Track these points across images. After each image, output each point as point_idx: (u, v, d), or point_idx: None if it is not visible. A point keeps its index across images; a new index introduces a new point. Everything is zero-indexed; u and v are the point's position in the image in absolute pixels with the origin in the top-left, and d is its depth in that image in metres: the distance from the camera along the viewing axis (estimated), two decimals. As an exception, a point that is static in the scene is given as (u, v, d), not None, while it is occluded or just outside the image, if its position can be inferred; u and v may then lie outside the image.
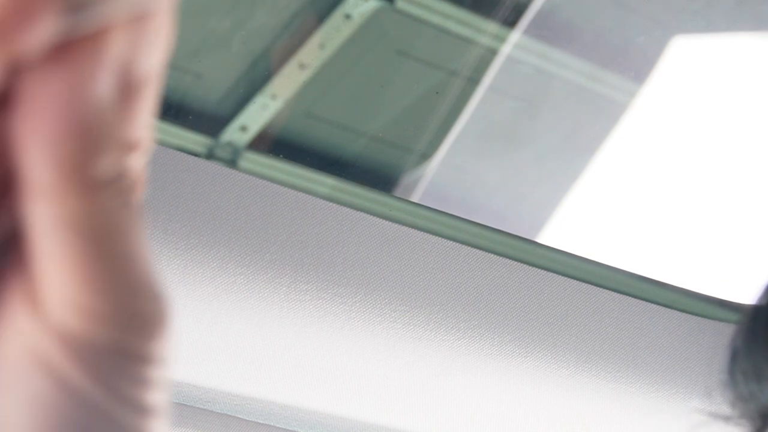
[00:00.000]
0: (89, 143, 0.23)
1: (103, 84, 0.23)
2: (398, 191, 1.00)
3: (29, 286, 0.24)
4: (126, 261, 0.24)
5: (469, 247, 0.91)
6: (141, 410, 0.24)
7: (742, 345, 0.47)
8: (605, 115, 1.05)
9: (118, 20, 0.24)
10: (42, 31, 0.22)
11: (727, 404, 0.46)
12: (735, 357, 0.46)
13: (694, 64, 1.05)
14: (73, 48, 0.23)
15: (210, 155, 0.92)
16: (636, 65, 1.05)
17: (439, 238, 0.90)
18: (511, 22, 1.00)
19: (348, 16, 0.95)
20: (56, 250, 0.23)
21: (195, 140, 0.91)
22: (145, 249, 0.24)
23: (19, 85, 0.23)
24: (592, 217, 1.07)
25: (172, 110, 0.90)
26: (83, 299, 0.23)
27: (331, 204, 0.86)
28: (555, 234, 1.04)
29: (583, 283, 0.93)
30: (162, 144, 0.84)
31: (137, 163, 0.24)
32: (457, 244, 0.90)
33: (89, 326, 0.24)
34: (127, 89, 0.24)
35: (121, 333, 0.24)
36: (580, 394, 0.93)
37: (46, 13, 0.21)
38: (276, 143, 0.95)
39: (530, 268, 0.92)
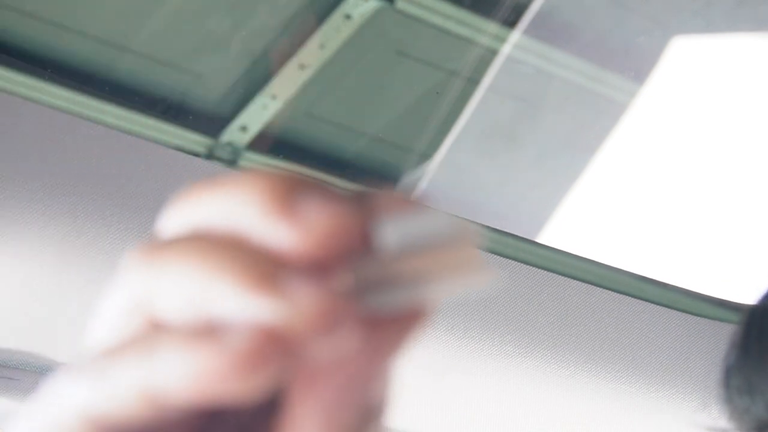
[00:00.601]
0: (368, 413, 0.24)
1: (379, 395, 0.25)
2: (397, 191, 1.00)
3: None
4: None
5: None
6: None
7: (734, 361, 0.47)
8: (605, 115, 1.05)
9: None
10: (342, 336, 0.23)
11: (723, 417, 0.47)
12: (728, 372, 0.47)
13: (694, 64, 1.05)
14: (355, 358, 0.24)
15: (210, 155, 0.92)
16: (636, 65, 1.05)
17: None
18: (511, 22, 1.00)
19: (348, 16, 0.95)
20: None
21: (195, 140, 0.91)
22: None
23: (289, 389, 0.24)
24: (592, 217, 1.07)
25: (173, 110, 0.90)
26: None
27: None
28: (555, 234, 1.04)
29: (583, 283, 0.93)
30: (162, 144, 0.84)
31: None
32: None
33: None
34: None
35: None
36: (580, 394, 0.93)
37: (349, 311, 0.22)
38: (276, 143, 0.95)
39: (530, 268, 0.92)
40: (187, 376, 0.23)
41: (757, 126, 1.07)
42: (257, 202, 0.23)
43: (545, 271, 0.93)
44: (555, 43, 1.02)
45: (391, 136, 1.00)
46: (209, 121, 0.92)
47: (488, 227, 0.96)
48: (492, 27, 1.00)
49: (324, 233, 0.23)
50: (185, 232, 0.24)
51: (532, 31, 1.01)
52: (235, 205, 0.23)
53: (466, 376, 0.91)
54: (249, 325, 0.22)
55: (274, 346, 0.22)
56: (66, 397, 0.25)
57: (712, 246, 1.08)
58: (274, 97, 0.94)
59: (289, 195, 0.23)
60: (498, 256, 0.92)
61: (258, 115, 0.93)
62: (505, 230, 0.96)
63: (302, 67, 0.94)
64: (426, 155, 1.00)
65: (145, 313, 0.24)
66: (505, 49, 1.00)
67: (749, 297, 1.02)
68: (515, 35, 1.00)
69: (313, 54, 0.94)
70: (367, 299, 0.24)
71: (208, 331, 0.23)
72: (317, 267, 0.23)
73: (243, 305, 0.22)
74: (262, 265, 0.23)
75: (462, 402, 0.93)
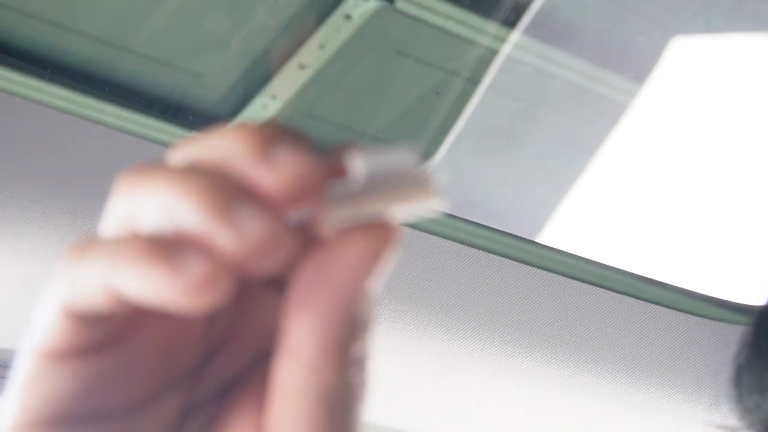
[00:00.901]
0: (355, 327, 0.27)
1: (381, 275, 0.28)
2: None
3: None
4: (353, 429, 0.28)
5: (469, 247, 0.91)
6: None
7: (745, 359, 0.48)
8: (605, 115, 1.05)
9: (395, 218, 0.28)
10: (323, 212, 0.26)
11: (733, 416, 0.47)
12: (739, 371, 0.47)
13: (695, 64, 1.05)
14: (357, 238, 0.27)
15: (210, 155, 0.92)
16: (636, 65, 1.05)
17: (439, 238, 0.90)
18: (511, 22, 1.00)
19: (348, 17, 0.95)
20: (300, 412, 0.27)
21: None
22: (360, 423, 0.29)
23: (294, 268, 0.27)
24: (592, 217, 1.07)
25: (172, 110, 0.90)
26: None
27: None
28: (555, 234, 1.04)
29: (583, 283, 0.93)
30: (162, 144, 0.84)
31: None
32: (457, 244, 0.90)
33: None
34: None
35: None
36: (579, 394, 0.93)
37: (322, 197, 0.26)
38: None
39: (530, 268, 0.92)
40: (144, 286, 0.26)
41: (758, 126, 1.07)
42: (239, 147, 0.27)
43: (545, 271, 0.93)
44: (555, 43, 1.02)
45: (391, 136, 1.00)
46: (209, 121, 0.92)
47: (488, 227, 0.96)
48: (492, 27, 1.00)
49: (293, 175, 0.26)
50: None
51: (532, 31, 1.01)
52: (220, 150, 0.27)
53: (466, 376, 0.91)
54: (206, 245, 0.26)
55: (223, 274, 0.25)
56: (49, 293, 0.29)
57: (712, 246, 1.08)
58: (274, 97, 0.94)
59: (266, 141, 0.27)
60: (498, 256, 0.92)
61: (258, 115, 0.93)
62: (505, 230, 0.96)
63: (302, 67, 0.94)
64: (426, 155, 1.00)
65: (128, 225, 0.28)
66: (505, 49, 1.00)
67: (749, 297, 1.02)
68: (515, 35, 1.00)
69: (313, 54, 0.94)
70: (338, 220, 0.28)
71: (170, 247, 0.26)
72: (283, 202, 0.27)
73: (202, 225, 0.26)
74: (224, 192, 0.26)
75: (462, 402, 0.93)
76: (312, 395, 0.27)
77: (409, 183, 0.29)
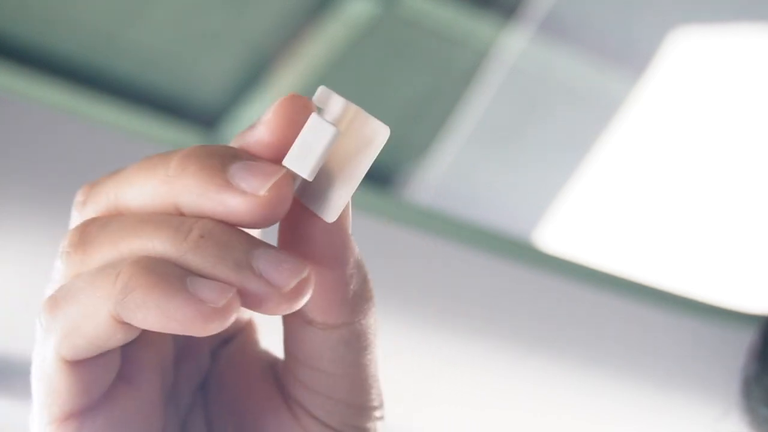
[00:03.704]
0: (361, 281, 0.30)
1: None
2: (398, 191, 1.00)
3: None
4: (375, 364, 0.32)
5: (469, 248, 0.91)
6: None
7: (754, 371, 0.47)
8: (606, 114, 1.05)
9: None
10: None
11: (743, 425, 0.47)
12: (748, 382, 0.47)
13: (695, 63, 1.05)
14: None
15: (210, 155, 0.92)
16: (637, 65, 1.05)
17: (439, 238, 0.90)
18: (511, 22, 1.00)
19: (348, 17, 0.95)
20: (342, 363, 0.31)
21: (194, 139, 0.91)
22: (377, 368, 0.32)
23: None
24: (592, 217, 1.07)
25: (171, 109, 0.90)
26: (354, 398, 0.31)
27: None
28: (555, 234, 1.04)
29: (583, 284, 0.93)
30: (160, 143, 0.84)
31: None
32: (457, 244, 0.90)
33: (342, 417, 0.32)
34: None
35: (357, 422, 0.32)
36: (580, 394, 0.93)
37: None
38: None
39: (530, 268, 0.92)
40: (160, 317, 0.26)
41: (762, 124, 1.07)
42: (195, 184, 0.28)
43: (545, 272, 0.93)
44: (555, 43, 1.02)
45: (391, 136, 1.00)
46: (208, 121, 0.92)
47: (488, 227, 0.96)
48: (492, 27, 1.00)
49: (258, 195, 0.27)
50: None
51: (532, 31, 1.00)
52: (172, 194, 0.28)
53: (467, 376, 0.91)
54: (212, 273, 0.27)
55: (235, 298, 0.27)
56: (44, 347, 0.29)
57: (714, 249, 1.08)
58: (273, 97, 0.94)
59: (219, 169, 0.28)
60: (499, 257, 0.92)
61: (257, 114, 0.93)
62: (505, 230, 0.96)
63: (302, 67, 0.94)
64: (426, 155, 1.00)
65: (114, 206, 0.29)
66: (506, 49, 1.00)
67: (749, 299, 1.02)
68: (515, 35, 1.00)
69: (313, 54, 0.94)
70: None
71: (182, 276, 0.27)
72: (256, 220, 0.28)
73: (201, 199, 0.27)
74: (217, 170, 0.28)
75: (463, 402, 0.93)
76: (353, 345, 0.30)
77: (350, 137, 0.30)
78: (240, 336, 0.34)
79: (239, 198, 0.27)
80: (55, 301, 0.28)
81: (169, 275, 0.27)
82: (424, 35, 0.98)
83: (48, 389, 0.29)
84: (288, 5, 0.93)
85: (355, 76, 0.98)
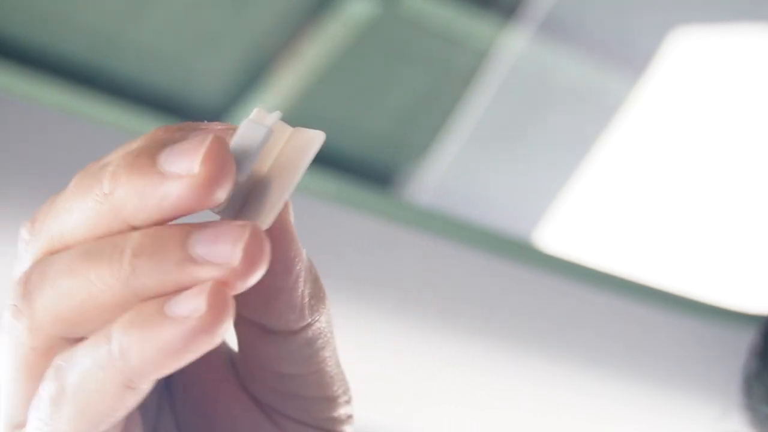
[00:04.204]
0: (312, 282, 0.29)
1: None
2: (398, 191, 1.00)
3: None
4: (337, 360, 0.31)
5: (469, 248, 0.91)
6: None
7: (755, 370, 0.47)
8: (606, 114, 1.05)
9: None
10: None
11: (744, 424, 0.47)
12: (749, 380, 0.47)
13: (696, 63, 1.05)
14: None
15: (210, 155, 0.92)
16: (637, 65, 1.05)
17: (439, 238, 0.90)
18: (511, 22, 1.00)
19: (348, 16, 0.95)
20: (312, 361, 0.30)
21: (195, 140, 0.91)
22: (337, 365, 0.32)
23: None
24: (592, 217, 1.07)
25: (172, 110, 0.90)
26: (326, 391, 0.31)
27: (330, 204, 0.86)
28: (555, 234, 1.04)
29: (583, 284, 0.93)
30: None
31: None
32: (457, 244, 0.90)
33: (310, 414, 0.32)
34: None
35: (330, 413, 0.32)
36: (580, 394, 0.93)
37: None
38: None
39: (530, 268, 0.92)
40: (165, 361, 0.25)
41: (762, 124, 1.07)
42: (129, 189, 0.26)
43: (545, 272, 0.93)
44: (555, 43, 1.02)
45: (391, 136, 1.00)
46: (208, 121, 0.92)
47: (488, 227, 0.96)
48: (492, 27, 1.00)
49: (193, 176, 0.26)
50: None
51: (532, 31, 1.00)
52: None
53: (467, 376, 0.91)
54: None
55: (226, 304, 0.25)
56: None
57: (714, 249, 1.08)
58: (273, 96, 0.94)
59: (147, 156, 0.26)
60: (500, 258, 0.92)
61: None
62: (505, 230, 0.96)
63: (302, 67, 0.94)
64: (426, 155, 1.00)
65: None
66: (506, 49, 1.00)
67: (756, 304, 1.02)
68: (515, 35, 1.00)
69: (313, 54, 0.94)
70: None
71: (154, 313, 0.25)
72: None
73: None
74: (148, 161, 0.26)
75: (464, 402, 0.93)
76: (319, 341, 0.30)
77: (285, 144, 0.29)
78: None
79: (176, 184, 0.25)
80: (61, 392, 0.26)
81: (144, 318, 0.25)
82: (424, 35, 0.98)
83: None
84: (288, 5, 0.93)
85: (355, 76, 0.98)
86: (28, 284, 0.27)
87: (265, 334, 0.29)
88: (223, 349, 0.32)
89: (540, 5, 0.99)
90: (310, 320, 0.29)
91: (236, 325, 0.30)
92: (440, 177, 1.01)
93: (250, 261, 0.25)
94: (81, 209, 0.27)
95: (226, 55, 0.93)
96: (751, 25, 1.05)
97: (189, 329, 0.24)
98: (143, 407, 0.30)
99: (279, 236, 0.28)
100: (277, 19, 0.93)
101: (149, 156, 0.26)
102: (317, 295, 0.30)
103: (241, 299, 0.27)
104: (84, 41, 0.88)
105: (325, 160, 0.95)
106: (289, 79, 0.95)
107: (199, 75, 0.93)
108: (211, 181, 0.25)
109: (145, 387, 0.26)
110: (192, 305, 0.25)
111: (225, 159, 0.26)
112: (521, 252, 0.95)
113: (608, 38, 1.04)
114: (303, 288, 0.29)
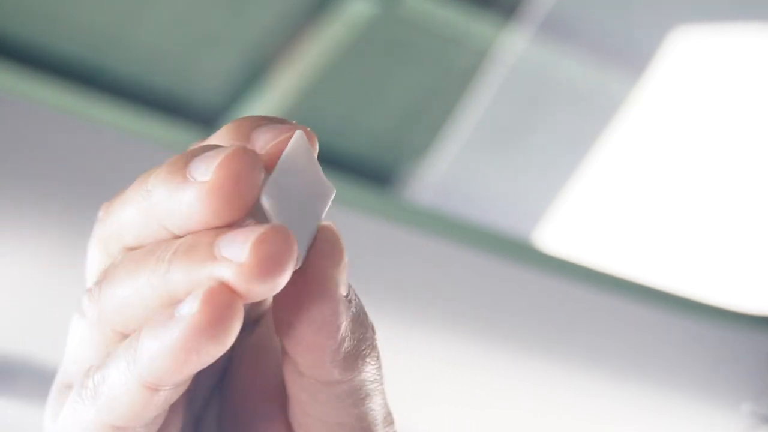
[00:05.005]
0: (340, 323, 0.27)
1: (342, 291, 0.27)
2: (398, 191, 1.00)
3: None
4: (377, 411, 0.29)
5: (469, 248, 0.91)
6: None
7: None
8: (606, 114, 1.05)
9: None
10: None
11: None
12: None
13: (696, 63, 1.05)
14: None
15: (210, 155, 0.92)
16: (637, 64, 1.05)
17: (439, 238, 0.90)
18: (511, 22, 1.00)
19: (348, 17, 0.95)
20: (318, 412, 0.28)
21: (195, 140, 0.91)
22: (383, 415, 0.29)
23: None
24: (593, 217, 1.07)
25: (172, 110, 0.90)
26: None
27: (330, 204, 0.86)
28: (555, 234, 1.04)
29: (583, 285, 0.93)
30: (161, 143, 0.84)
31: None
32: (457, 244, 0.90)
33: None
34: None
35: None
36: (580, 394, 0.93)
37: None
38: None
39: (529, 268, 0.92)
40: (154, 353, 0.25)
41: (762, 124, 1.07)
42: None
43: (545, 272, 0.93)
44: (555, 43, 1.02)
45: (391, 135, 1.00)
46: (208, 121, 0.92)
47: (488, 227, 0.96)
48: (492, 27, 1.00)
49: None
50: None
51: (532, 31, 1.00)
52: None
53: (467, 376, 0.91)
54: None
55: (221, 306, 0.24)
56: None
57: (714, 250, 1.08)
58: (273, 97, 0.94)
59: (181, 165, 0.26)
60: (498, 257, 0.92)
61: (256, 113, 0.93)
62: (505, 230, 0.96)
63: (302, 66, 0.94)
64: (426, 155, 1.00)
65: (117, 245, 0.27)
66: (506, 49, 1.00)
67: (751, 299, 1.02)
68: (515, 35, 1.00)
69: (313, 54, 0.94)
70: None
71: (165, 304, 0.25)
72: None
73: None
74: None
75: (464, 402, 0.93)
76: (322, 397, 0.28)
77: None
78: (264, 320, 0.31)
79: (190, 190, 0.25)
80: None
81: (159, 317, 0.25)
82: (424, 35, 0.98)
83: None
84: (288, 5, 0.93)
85: (355, 76, 0.98)
86: (103, 274, 0.27)
87: (297, 374, 0.28)
88: (276, 356, 0.31)
89: (540, 5, 0.99)
90: (342, 378, 0.27)
91: (284, 363, 0.29)
92: (440, 177, 1.01)
93: (259, 261, 0.24)
94: (132, 217, 0.27)
95: (226, 55, 0.93)
96: (751, 25, 1.05)
97: (183, 328, 0.24)
98: (192, 394, 0.31)
99: (314, 289, 0.26)
100: (277, 19, 0.93)
101: (184, 161, 0.26)
102: (358, 354, 0.28)
103: (281, 330, 0.27)
104: (84, 41, 0.88)
105: (325, 160, 0.94)
106: (289, 79, 0.95)
107: (199, 75, 0.93)
108: (219, 191, 0.25)
109: (165, 392, 0.26)
110: (190, 304, 0.24)
111: (241, 174, 0.25)
112: (521, 252, 0.95)
113: (608, 38, 1.04)
114: (341, 345, 0.27)
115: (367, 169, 0.98)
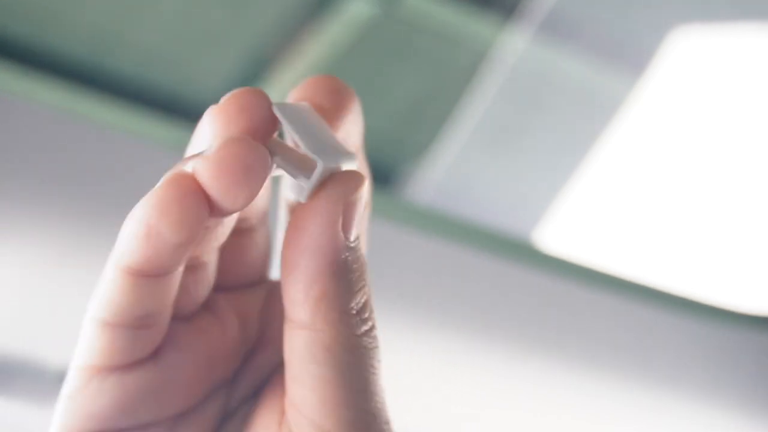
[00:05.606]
0: (345, 280, 0.27)
1: (350, 229, 0.28)
2: (398, 191, 1.00)
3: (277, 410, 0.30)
4: (363, 394, 0.28)
5: (469, 248, 0.91)
6: None
7: None
8: (606, 114, 1.05)
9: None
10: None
11: None
12: None
13: (697, 62, 1.05)
14: (324, 191, 0.28)
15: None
16: (638, 64, 1.05)
17: (439, 238, 0.90)
18: (511, 22, 1.00)
19: (348, 17, 0.95)
20: (308, 374, 0.27)
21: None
22: (380, 386, 0.28)
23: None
24: (593, 217, 1.07)
25: (172, 109, 0.90)
26: (320, 420, 0.27)
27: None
28: (555, 234, 1.04)
29: (583, 285, 0.93)
30: (161, 144, 0.84)
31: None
32: (457, 244, 0.90)
33: None
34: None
35: None
36: (580, 394, 0.93)
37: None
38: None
39: (529, 268, 0.92)
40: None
41: (762, 124, 1.07)
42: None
43: (545, 272, 0.93)
44: (555, 43, 1.02)
45: (391, 135, 1.00)
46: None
47: (488, 227, 0.96)
48: (492, 27, 1.00)
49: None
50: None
51: (532, 31, 1.00)
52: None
53: (467, 376, 0.91)
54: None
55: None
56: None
57: (715, 250, 1.08)
58: (273, 97, 0.94)
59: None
60: (498, 257, 0.92)
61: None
62: (505, 230, 0.96)
63: (302, 66, 0.94)
64: (426, 155, 1.00)
65: None
66: (506, 49, 1.00)
67: (752, 300, 1.02)
68: (515, 35, 1.00)
69: (313, 54, 0.94)
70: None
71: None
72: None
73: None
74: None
75: (462, 402, 0.93)
76: (317, 355, 0.27)
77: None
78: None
79: (198, 161, 0.27)
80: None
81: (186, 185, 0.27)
82: (424, 35, 0.98)
83: (81, 342, 0.29)
84: (288, 5, 0.93)
85: (354, 76, 0.98)
86: None
87: (286, 320, 0.28)
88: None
89: (540, 5, 0.99)
90: (309, 320, 0.27)
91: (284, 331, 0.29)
92: (440, 177, 1.01)
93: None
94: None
95: (226, 55, 0.93)
96: (751, 24, 1.05)
97: (147, 196, 0.26)
98: (233, 385, 0.31)
99: (310, 220, 0.28)
100: (277, 18, 0.93)
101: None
102: (334, 305, 0.27)
103: (281, 266, 0.28)
104: (84, 41, 0.88)
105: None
106: (289, 79, 0.95)
107: (199, 75, 0.93)
108: (219, 170, 0.27)
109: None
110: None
111: (240, 156, 0.27)
112: (521, 252, 0.95)
113: (608, 38, 1.04)
114: (315, 285, 0.27)
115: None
